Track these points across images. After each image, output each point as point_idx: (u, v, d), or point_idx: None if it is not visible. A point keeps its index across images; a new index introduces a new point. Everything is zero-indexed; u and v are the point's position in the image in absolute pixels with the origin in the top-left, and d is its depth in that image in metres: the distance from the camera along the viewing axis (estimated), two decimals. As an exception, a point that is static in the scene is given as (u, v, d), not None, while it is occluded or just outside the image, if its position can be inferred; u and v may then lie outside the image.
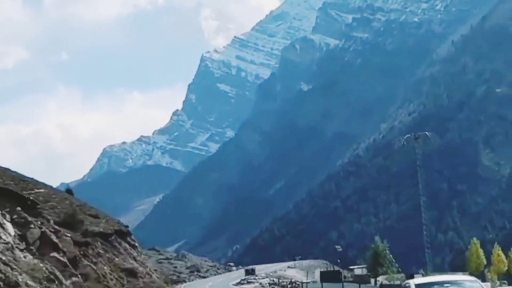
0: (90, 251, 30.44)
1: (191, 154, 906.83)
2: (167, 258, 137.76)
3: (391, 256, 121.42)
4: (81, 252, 29.43)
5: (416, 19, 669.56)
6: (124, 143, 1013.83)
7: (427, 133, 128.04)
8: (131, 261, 33.51)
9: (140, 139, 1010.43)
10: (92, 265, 27.82)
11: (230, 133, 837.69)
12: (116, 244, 33.78)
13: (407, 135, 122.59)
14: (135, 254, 35.08)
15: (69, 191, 39.82)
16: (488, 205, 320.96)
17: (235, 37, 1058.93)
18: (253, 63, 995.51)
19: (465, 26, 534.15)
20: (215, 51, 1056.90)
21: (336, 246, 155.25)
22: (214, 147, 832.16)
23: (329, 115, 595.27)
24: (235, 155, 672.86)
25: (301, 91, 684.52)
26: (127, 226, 36.07)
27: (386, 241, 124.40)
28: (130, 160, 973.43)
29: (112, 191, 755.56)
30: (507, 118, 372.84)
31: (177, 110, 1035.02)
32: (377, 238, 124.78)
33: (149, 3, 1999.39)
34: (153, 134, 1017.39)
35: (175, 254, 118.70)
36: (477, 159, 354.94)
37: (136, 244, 36.36)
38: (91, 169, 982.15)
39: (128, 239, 35.80)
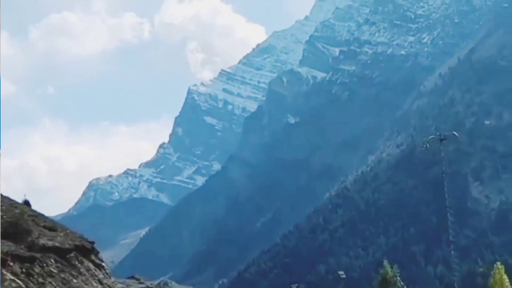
0: (37, 269, 25.48)
1: (178, 187, 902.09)
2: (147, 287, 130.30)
3: (402, 283, 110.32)
4: (23, 270, 24.52)
5: (403, 52, 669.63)
6: (110, 176, 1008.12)
7: (455, 133, 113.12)
8: (94, 284, 28.62)
9: (126, 172, 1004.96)
10: (32, 283, 23.00)
11: (216, 166, 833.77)
12: (76, 263, 28.81)
13: (431, 136, 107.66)
14: (100, 275, 30.13)
15: (26, 202, 34.93)
16: (478, 239, 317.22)
17: (222, 70, 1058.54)
18: (240, 96, 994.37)
19: (453, 58, 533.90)
20: (202, 84, 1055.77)
21: (340, 272, 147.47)
22: (200, 180, 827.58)
23: (316, 148, 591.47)
24: (222, 188, 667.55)
25: (288, 123, 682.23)
26: (93, 242, 31.00)
27: (396, 267, 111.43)
28: (116, 193, 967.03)
29: (97, 224, 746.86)
30: (496, 151, 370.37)
31: (164, 143, 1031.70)
32: (385, 263, 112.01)
33: (135, 37, 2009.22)
34: (139, 167, 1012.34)
35: (156, 283, 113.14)
36: (466, 192, 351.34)
37: (104, 264, 31.35)
38: (76, 202, 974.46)
39: (93, 257, 30.70)
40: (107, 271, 30.63)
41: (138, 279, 73.10)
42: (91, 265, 29.02)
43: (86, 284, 26.98)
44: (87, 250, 29.58)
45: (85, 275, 27.63)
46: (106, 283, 28.88)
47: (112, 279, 31.64)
